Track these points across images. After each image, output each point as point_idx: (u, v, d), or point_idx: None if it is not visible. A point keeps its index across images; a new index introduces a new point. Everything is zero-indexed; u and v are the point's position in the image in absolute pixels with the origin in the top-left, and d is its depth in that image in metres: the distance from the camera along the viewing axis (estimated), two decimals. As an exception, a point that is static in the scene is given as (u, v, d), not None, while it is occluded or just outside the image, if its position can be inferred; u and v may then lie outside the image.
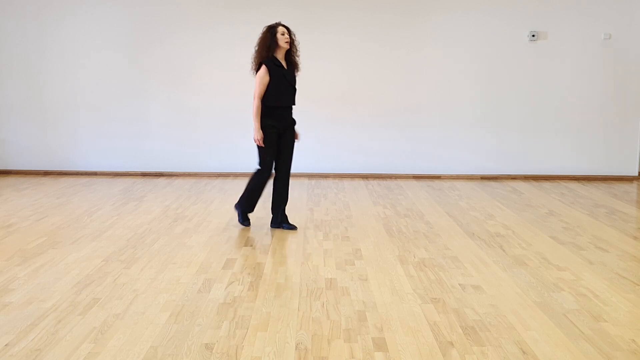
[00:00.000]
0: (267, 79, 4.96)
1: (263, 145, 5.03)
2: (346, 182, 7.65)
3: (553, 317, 3.35)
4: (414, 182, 7.69)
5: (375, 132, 7.96)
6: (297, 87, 5.15)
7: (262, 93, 4.98)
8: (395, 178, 7.95)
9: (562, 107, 7.93)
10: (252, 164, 8.14)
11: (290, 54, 5.09)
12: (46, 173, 8.12)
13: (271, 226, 5.31)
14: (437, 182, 7.70)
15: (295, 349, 2.95)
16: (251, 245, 4.78)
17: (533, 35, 7.77)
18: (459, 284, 3.88)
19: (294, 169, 8.08)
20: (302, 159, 8.10)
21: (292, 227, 5.28)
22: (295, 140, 5.25)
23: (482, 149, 8.03)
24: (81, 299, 3.61)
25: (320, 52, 7.84)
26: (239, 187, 7.29)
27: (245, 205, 5.30)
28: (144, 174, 8.09)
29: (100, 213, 5.87)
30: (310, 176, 8.05)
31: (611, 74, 7.85)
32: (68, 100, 8.02)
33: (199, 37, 7.86)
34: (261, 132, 5.00)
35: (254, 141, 5.06)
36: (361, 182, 7.67)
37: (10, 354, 2.89)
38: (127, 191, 6.99)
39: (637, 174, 8.03)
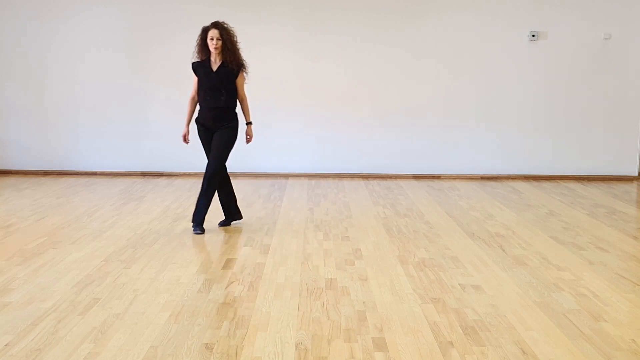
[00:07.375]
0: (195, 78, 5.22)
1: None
2: (346, 182, 7.65)
3: (553, 317, 3.35)
4: (414, 182, 7.69)
5: (375, 132, 7.96)
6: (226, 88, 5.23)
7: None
8: (395, 178, 7.95)
9: (562, 107, 7.93)
10: (251, 163, 8.19)
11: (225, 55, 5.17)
12: (46, 173, 8.11)
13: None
14: (437, 182, 7.70)
15: (295, 349, 2.95)
16: (251, 245, 4.78)
17: (533, 35, 7.77)
18: (459, 284, 3.88)
19: (294, 168, 8.16)
20: (302, 159, 8.12)
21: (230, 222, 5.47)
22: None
23: (482, 149, 8.03)
24: (81, 299, 3.61)
25: (320, 52, 7.84)
26: (238, 187, 7.29)
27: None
28: (144, 174, 8.09)
29: (100, 213, 5.87)
30: (310, 176, 8.04)
31: (611, 74, 7.85)
32: (68, 100, 8.02)
33: (199, 37, 7.85)
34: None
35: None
36: (361, 182, 7.67)
37: (10, 354, 2.88)
38: (127, 191, 6.99)
39: (637, 174, 8.03)
